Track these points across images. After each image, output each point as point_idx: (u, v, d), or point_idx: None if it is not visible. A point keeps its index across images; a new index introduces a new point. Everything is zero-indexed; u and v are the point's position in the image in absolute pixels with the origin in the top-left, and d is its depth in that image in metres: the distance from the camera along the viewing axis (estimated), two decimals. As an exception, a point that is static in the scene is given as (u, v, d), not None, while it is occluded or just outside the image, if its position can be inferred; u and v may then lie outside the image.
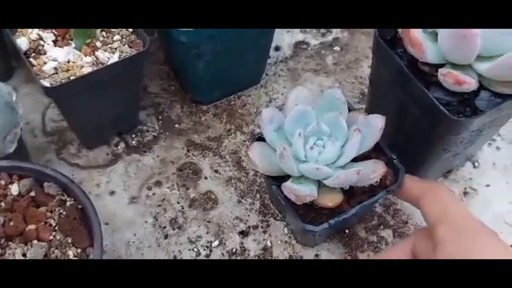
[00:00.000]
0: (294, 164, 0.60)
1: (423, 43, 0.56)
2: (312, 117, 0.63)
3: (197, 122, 0.85)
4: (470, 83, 0.55)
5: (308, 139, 0.62)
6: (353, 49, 0.95)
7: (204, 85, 0.82)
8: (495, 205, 0.78)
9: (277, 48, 0.95)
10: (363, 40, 0.96)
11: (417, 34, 0.56)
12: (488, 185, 0.80)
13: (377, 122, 0.63)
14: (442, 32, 0.55)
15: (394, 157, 0.66)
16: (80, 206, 0.57)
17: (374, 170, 0.62)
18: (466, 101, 0.59)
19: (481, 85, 0.59)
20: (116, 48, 0.69)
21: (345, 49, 0.95)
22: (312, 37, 0.97)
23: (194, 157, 0.81)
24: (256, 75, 0.88)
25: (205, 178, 0.79)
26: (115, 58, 0.68)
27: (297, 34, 0.97)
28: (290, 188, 0.59)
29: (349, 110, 0.68)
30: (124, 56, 0.68)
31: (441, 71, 0.57)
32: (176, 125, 0.84)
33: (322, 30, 0.98)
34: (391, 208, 0.78)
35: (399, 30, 0.61)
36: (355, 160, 0.64)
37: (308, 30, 0.98)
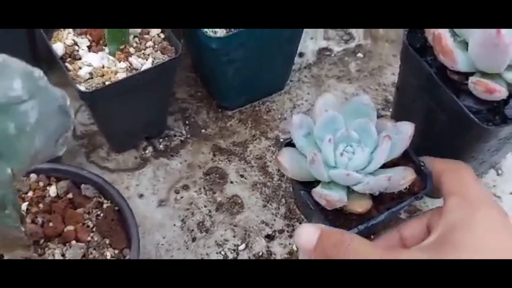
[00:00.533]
0: (324, 170, 0.61)
1: (454, 51, 0.57)
2: (340, 123, 0.64)
3: (223, 128, 0.86)
4: (500, 92, 0.56)
5: (338, 145, 0.63)
6: (376, 56, 0.96)
7: (232, 91, 0.84)
8: (519, 213, 0.78)
9: (301, 55, 0.96)
10: (386, 47, 0.97)
11: (449, 42, 0.57)
12: (511, 193, 0.80)
13: (407, 129, 0.63)
14: (473, 41, 0.56)
15: (423, 164, 0.66)
16: (117, 208, 0.58)
17: (403, 177, 0.63)
18: (496, 109, 0.60)
19: (511, 93, 0.60)
20: (149, 55, 0.71)
21: (368, 56, 0.96)
22: (336, 44, 0.98)
23: (220, 162, 0.82)
24: (281, 81, 0.90)
25: (231, 182, 0.80)
26: (148, 64, 0.69)
27: (320, 41, 0.98)
28: (321, 194, 0.60)
29: (377, 116, 0.70)
30: (157, 62, 0.70)
31: (472, 79, 0.58)
32: (203, 130, 0.86)
33: (345, 37, 0.99)
34: (415, 214, 0.78)
35: (429, 38, 0.62)
36: (384, 166, 0.65)
37: (331, 36, 0.99)
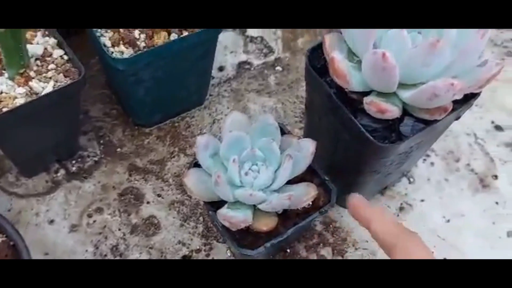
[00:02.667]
0: (229, 191, 0.62)
1: (347, 74, 0.58)
2: (247, 143, 0.65)
3: (140, 146, 0.85)
4: (392, 112, 0.58)
5: (244, 164, 0.64)
6: (294, 69, 0.97)
7: (145, 109, 0.83)
8: (429, 220, 0.81)
9: (221, 69, 0.96)
10: (303, 61, 0.98)
11: (341, 65, 0.58)
12: (422, 200, 0.83)
13: (308, 146, 0.65)
14: (364, 62, 0.57)
15: (327, 179, 0.68)
16: (12, 243, 0.56)
17: (306, 193, 0.64)
18: (392, 127, 0.62)
19: (406, 111, 0.62)
20: (51, 78, 0.69)
21: (286, 69, 0.98)
22: (255, 58, 0.99)
23: (136, 182, 0.81)
24: (199, 96, 0.89)
25: (148, 203, 0.79)
26: (49, 88, 0.67)
27: (240, 55, 0.99)
28: (224, 215, 0.60)
29: (284, 133, 0.71)
30: (59, 85, 0.68)
31: (366, 99, 0.60)
32: (118, 149, 0.84)
33: (265, 50, 1.00)
34: (330, 225, 0.80)
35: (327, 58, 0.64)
36: (290, 182, 0.66)
37: (251, 50, 0.99)
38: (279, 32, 1.02)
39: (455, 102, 0.62)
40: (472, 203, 0.83)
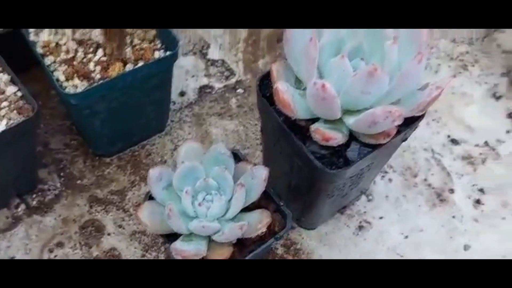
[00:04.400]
0: (183, 223, 0.62)
1: (291, 103, 0.60)
2: (200, 172, 0.66)
3: (100, 176, 0.85)
4: (337, 139, 0.59)
5: (198, 194, 0.65)
6: (255, 91, 0.98)
7: (103, 139, 0.83)
8: (388, 238, 0.83)
9: (182, 94, 0.97)
10: (263, 82, 1.00)
11: (285, 95, 0.59)
12: (381, 218, 0.85)
13: (261, 173, 0.66)
14: (308, 92, 0.59)
15: (282, 204, 0.69)
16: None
17: (260, 221, 0.65)
18: (339, 153, 0.63)
19: (352, 136, 0.63)
20: (4, 116, 0.69)
21: (248, 91, 0.99)
22: (217, 81, 1.00)
23: (97, 213, 0.81)
24: (159, 124, 0.90)
25: (108, 234, 0.79)
26: (2, 126, 0.67)
27: (202, 78, 1.00)
28: (176, 249, 0.61)
29: (240, 160, 0.72)
30: (12, 123, 0.68)
31: (311, 127, 0.61)
32: (79, 181, 0.84)
33: (226, 73, 1.01)
34: (291, 248, 0.81)
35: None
36: (246, 209, 0.67)
37: (212, 73, 1.00)
38: (240, 54, 1.03)
39: (401, 124, 0.64)
40: (430, 218, 0.85)
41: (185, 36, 1.05)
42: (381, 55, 0.60)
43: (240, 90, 0.99)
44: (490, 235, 0.83)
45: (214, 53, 1.03)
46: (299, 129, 0.64)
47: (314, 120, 0.63)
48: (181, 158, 0.68)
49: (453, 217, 0.85)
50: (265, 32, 1.06)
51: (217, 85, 0.99)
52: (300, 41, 0.59)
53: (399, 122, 0.58)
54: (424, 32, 0.59)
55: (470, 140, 0.93)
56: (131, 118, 0.82)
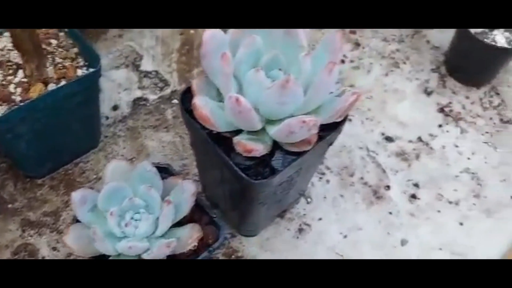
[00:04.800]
0: (110, 244, 0.61)
1: (211, 117, 0.59)
2: (127, 191, 0.65)
3: (32, 198, 0.83)
4: (259, 150, 0.60)
5: (125, 214, 0.64)
6: (189, 100, 0.98)
7: (31, 161, 0.81)
8: (327, 238, 0.84)
9: (115, 108, 0.95)
10: (198, 91, 0.99)
11: (204, 110, 0.59)
12: (320, 219, 0.86)
13: (190, 188, 0.65)
14: (225, 106, 0.58)
15: (215, 216, 0.69)
16: None
17: (190, 236, 0.64)
18: (264, 162, 0.63)
19: (277, 145, 0.63)
20: None
21: (183, 100, 0.98)
22: (151, 92, 0.98)
23: (30, 237, 0.79)
24: (91, 140, 0.88)
25: (43, 258, 0.77)
26: None
27: (135, 91, 0.98)
28: (104, 272, 0.60)
29: (172, 174, 0.71)
30: None
31: (234, 140, 0.61)
32: (10, 205, 0.82)
33: (160, 84, 1.00)
34: (233, 256, 0.81)
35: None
36: (179, 224, 0.66)
37: (146, 85, 0.99)
38: (173, 64, 1.02)
39: (325, 129, 0.65)
40: (367, 216, 0.86)
41: (116, 49, 1.03)
42: (298, 66, 0.60)
43: (175, 101, 0.98)
44: (426, 228, 0.86)
45: (147, 65, 1.01)
46: (224, 141, 0.64)
47: (238, 131, 0.63)
48: (107, 178, 0.67)
49: (390, 213, 0.87)
50: (198, 40, 1.05)
51: (152, 96, 0.98)
52: (215, 56, 0.58)
53: (315, 130, 0.58)
54: (338, 39, 0.60)
55: (403, 136, 0.95)
56: (59, 137, 0.80)
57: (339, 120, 0.63)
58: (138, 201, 0.64)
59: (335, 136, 0.68)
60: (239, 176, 0.62)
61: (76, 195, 0.63)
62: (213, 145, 0.64)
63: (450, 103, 1.00)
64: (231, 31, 0.66)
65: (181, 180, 0.68)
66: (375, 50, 1.06)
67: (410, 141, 0.95)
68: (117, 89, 0.98)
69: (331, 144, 0.69)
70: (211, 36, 0.60)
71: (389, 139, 0.95)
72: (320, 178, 0.90)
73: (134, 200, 0.64)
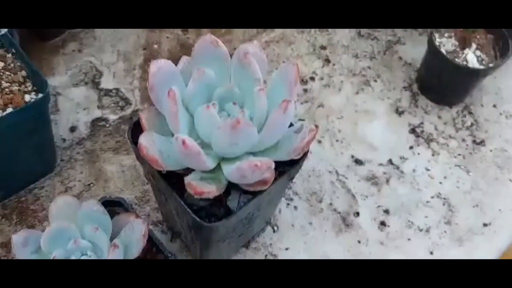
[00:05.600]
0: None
1: (158, 158, 0.55)
2: (73, 232, 0.60)
3: (-18, 228, 0.78)
4: (210, 192, 0.56)
5: (71, 256, 0.59)
6: (152, 121, 0.93)
7: (-23, 192, 0.76)
8: (292, 269, 0.80)
9: (72, 129, 0.91)
10: (162, 111, 0.95)
11: (150, 151, 0.55)
12: (287, 248, 0.82)
13: (140, 229, 0.61)
14: (174, 147, 0.54)
15: (170, 255, 0.65)
16: None
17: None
18: (219, 203, 0.60)
19: (232, 184, 0.60)
20: None
21: (146, 121, 0.93)
22: (111, 112, 0.94)
23: (-25, 273, 0.74)
24: (45, 166, 0.83)
25: (-12, 296, 0.72)
26: None
27: (94, 111, 0.93)
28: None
29: (126, 210, 0.67)
30: None
31: (185, 180, 0.57)
32: (-44, 236, 0.77)
33: (121, 103, 0.95)
34: (193, 290, 0.77)
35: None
36: (131, 263, 0.62)
37: (106, 104, 0.94)
38: (136, 81, 0.98)
39: (285, 164, 0.61)
40: (336, 244, 0.83)
41: (75, 64, 0.98)
42: (253, 99, 0.56)
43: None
44: (396, 257, 0.83)
45: (107, 82, 0.97)
46: (176, 177, 0.60)
47: (192, 169, 0.59)
48: (53, 216, 0.63)
49: (359, 242, 0.84)
50: (162, 56, 1.01)
51: (112, 116, 0.93)
52: (164, 90, 0.54)
53: (269, 174, 0.54)
54: (294, 72, 0.56)
55: (374, 159, 0.92)
56: (7, 165, 0.75)
57: (297, 158, 0.59)
58: (85, 243, 0.60)
59: (296, 172, 0.64)
60: (192, 218, 0.58)
61: (17, 238, 0.59)
62: (164, 184, 0.60)
63: (421, 123, 0.97)
64: (182, 60, 0.62)
65: (133, 218, 0.64)
66: (346, 68, 1.03)
67: (381, 164, 0.92)
68: (75, 108, 0.93)
69: (291, 179, 0.66)
70: (158, 68, 0.56)
71: (359, 162, 0.92)
72: (288, 204, 0.86)
73: (79, 242, 0.59)
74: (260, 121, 0.57)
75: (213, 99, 0.58)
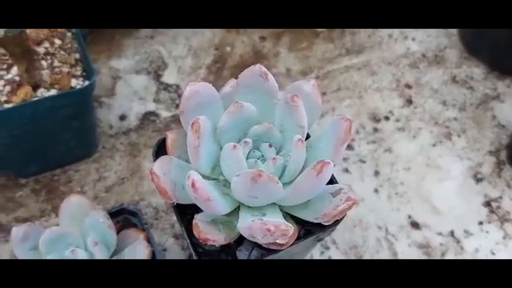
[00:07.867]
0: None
1: (169, 191, 0.49)
2: (74, 239, 0.57)
3: (10, 199, 0.77)
4: (215, 241, 0.49)
5: (67, 263, 0.56)
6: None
7: (11, 163, 0.75)
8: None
9: (122, 117, 0.88)
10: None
11: (162, 182, 0.49)
12: (307, 302, 0.74)
13: (143, 252, 0.57)
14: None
15: None
16: None
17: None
18: (229, 249, 0.53)
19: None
20: None
21: (198, 124, 0.88)
22: (165, 108, 0.90)
23: (-8, 243, 0.74)
24: (84, 150, 0.81)
25: None
26: None
27: (148, 103, 0.90)
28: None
29: (140, 222, 0.63)
30: None
31: (194, 219, 0.51)
32: (-16, 201, 0.77)
33: (178, 101, 0.91)
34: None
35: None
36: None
37: (162, 99, 0.90)
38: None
39: (315, 224, 0.53)
40: (363, 313, 0.73)
41: (144, 51, 0.95)
42: (291, 147, 0.49)
43: (190, 122, 0.89)
44: None
45: (170, 76, 0.93)
46: (188, 215, 0.54)
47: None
48: (62, 214, 0.60)
49: (390, 316, 0.73)
50: (232, 59, 0.95)
51: (165, 113, 0.89)
52: (195, 117, 0.48)
53: (284, 240, 0.47)
54: (344, 128, 0.48)
55: (433, 225, 0.80)
56: (44, 144, 0.73)
57: (326, 224, 0.51)
58: (82, 254, 0.56)
59: (327, 235, 0.56)
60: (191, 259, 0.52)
61: (17, 231, 0.56)
62: (178, 217, 0.54)
63: (500, 197, 0.83)
64: (230, 83, 0.55)
65: (141, 238, 0.59)
66: (428, 113, 0.91)
67: (440, 234, 0.80)
68: (131, 96, 0.90)
69: (320, 239, 0.57)
70: (193, 92, 0.49)
71: (415, 225, 0.81)
72: (322, 252, 0.78)
73: (77, 252, 0.56)
74: (294, 174, 0.49)
75: (249, 135, 0.51)
